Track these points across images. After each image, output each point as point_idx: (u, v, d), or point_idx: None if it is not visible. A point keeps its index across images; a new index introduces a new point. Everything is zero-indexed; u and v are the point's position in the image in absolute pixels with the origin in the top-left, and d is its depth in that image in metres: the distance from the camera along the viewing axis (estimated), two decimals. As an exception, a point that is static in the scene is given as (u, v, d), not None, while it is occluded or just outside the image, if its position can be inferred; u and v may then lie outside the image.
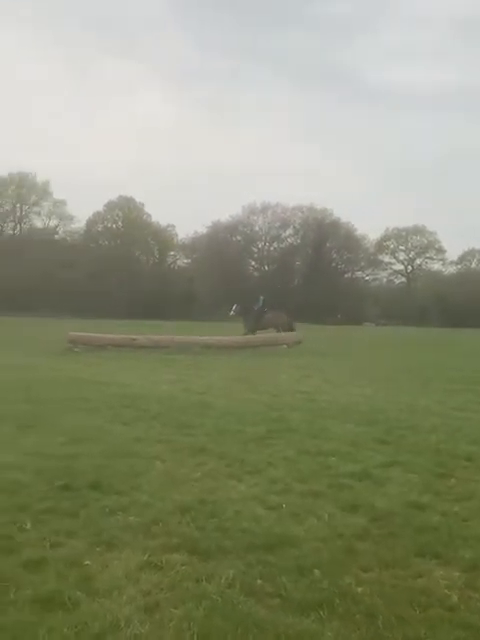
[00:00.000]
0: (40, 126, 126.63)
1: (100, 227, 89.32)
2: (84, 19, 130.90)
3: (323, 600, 4.08)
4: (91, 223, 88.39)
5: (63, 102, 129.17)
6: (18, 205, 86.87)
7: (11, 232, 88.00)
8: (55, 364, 18.14)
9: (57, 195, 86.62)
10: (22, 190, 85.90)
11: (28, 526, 5.21)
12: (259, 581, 4.35)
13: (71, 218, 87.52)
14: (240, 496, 6.19)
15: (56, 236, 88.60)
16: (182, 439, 8.54)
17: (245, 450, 8.00)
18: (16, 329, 38.27)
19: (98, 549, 4.83)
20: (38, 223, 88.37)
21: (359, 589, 4.27)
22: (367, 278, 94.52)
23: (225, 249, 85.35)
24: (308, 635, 3.71)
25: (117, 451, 7.75)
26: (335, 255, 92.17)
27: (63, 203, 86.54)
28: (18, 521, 5.30)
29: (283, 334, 28.92)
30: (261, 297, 31.94)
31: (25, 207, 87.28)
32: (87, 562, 4.59)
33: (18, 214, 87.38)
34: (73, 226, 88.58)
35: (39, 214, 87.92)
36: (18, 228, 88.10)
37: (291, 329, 30.86)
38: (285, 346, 26.01)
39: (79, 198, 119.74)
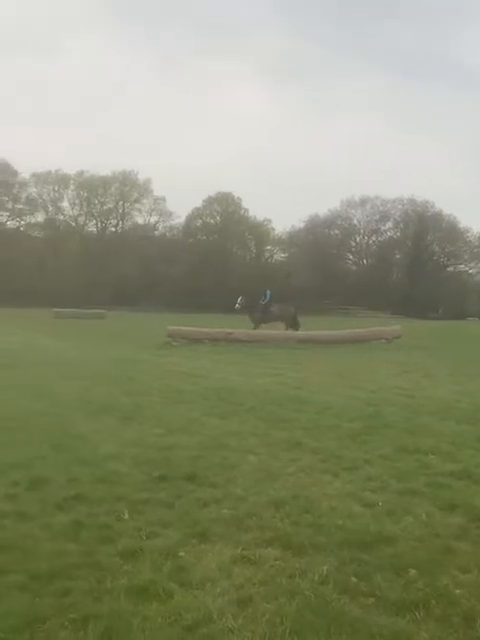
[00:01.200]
0: (141, 125, 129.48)
1: (199, 222, 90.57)
2: (181, 17, 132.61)
3: (419, 601, 3.96)
4: (190, 219, 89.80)
5: (162, 101, 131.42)
6: (121, 203, 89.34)
7: (113, 229, 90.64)
8: (155, 357, 18.55)
9: (157, 192, 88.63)
10: (125, 188, 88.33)
11: (125, 516, 5.32)
12: (353, 579, 4.27)
13: (170, 214, 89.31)
14: (335, 492, 6.10)
15: (156, 232, 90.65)
16: (277, 433, 8.52)
17: (341, 446, 7.89)
18: (119, 323, 39.46)
19: (192, 541, 4.88)
20: (139, 220, 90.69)
21: (457, 591, 4.12)
22: (471, 271, 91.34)
23: (323, 243, 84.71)
24: (403, 636, 3.61)
25: (212, 443, 7.83)
26: (437, 248, 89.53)
27: (163, 200, 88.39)
28: (116, 511, 5.42)
29: (386, 329, 28.17)
30: (268, 291, 30.78)
31: (127, 204, 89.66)
32: (181, 553, 4.64)
33: (120, 211, 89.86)
34: (172, 222, 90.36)
35: (140, 211, 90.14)
36: (120, 225, 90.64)
37: (296, 323, 29.78)
38: (384, 341, 25.49)
39: (178, 195, 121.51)
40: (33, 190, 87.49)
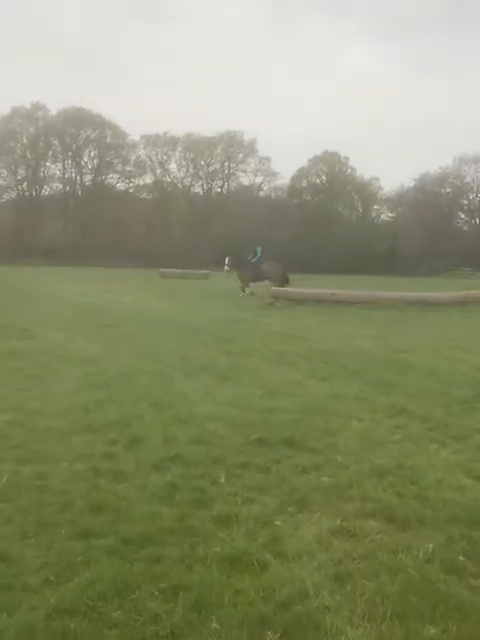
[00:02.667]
0: (247, 84, 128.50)
1: (304, 182, 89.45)
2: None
3: None
4: (295, 179, 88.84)
5: (269, 58, 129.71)
6: (226, 163, 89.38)
7: (219, 190, 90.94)
8: (257, 317, 18.38)
9: (262, 152, 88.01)
10: (230, 149, 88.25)
11: (222, 480, 5.16)
12: (461, 558, 3.95)
13: (276, 175, 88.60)
14: (443, 463, 5.72)
15: (261, 193, 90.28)
16: (381, 398, 8.14)
17: (449, 413, 7.43)
18: (223, 283, 39.54)
19: (289, 509, 4.66)
20: (244, 180, 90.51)
21: None
22: None
23: (433, 202, 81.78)
24: (517, 623, 3.25)
25: (313, 407, 7.55)
26: None
27: (268, 160, 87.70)
28: (212, 474, 5.27)
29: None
30: (258, 248, 29.31)
31: (232, 165, 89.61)
32: (277, 522, 4.43)
33: (226, 172, 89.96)
34: (278, 183, 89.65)
35: (245, 172, 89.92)
36: (226, 186, 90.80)
37: (286, 281, 28.26)
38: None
39: (284, 155, 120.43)
40: (142, 152, 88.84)
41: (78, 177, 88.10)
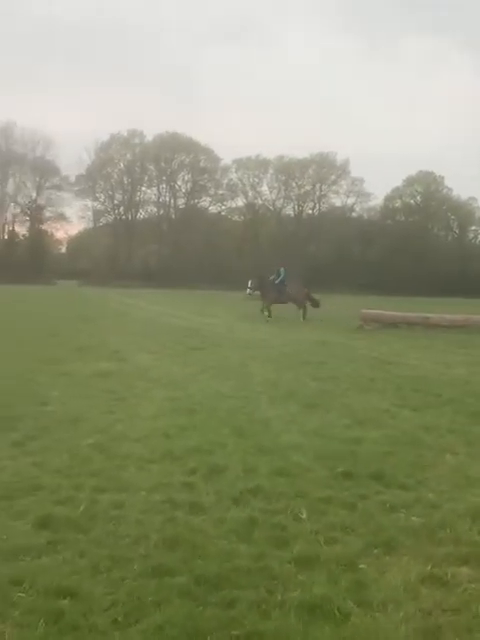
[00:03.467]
0: (341, 105, 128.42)
1: (398, 203, 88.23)
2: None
3: None
4: (389, 199, 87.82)
5: (364, 80, 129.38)
6: (318, 185, 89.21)
7: (310, 211, 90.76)
8: (346, 341, 17.97)
9: (355, 173, 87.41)
10: (322, 170, 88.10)
11: (304, 516, 4.89)
12: None
13: (368, 195, 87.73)
14: None
15: (353, 214, 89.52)
16: (477, 430, 7.65)
17: None
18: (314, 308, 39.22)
19: (375, 551, 4.34)
20: (336, 202, 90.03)
21: None
22: None
23: None
24: None
25: (403, 439, 7.16)
26: None
27: (361, 181, 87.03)
28: (294, 509, 5.00)
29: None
30: (282, 268, 27.84)
31: (324, 186, 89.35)
32: (362, 565, 4.13)
33: (317, 194, 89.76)
34: (370, 203, 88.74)
35: (337, 193, 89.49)
36: (317, 207, 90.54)
37: (315, 303, 27.22)
38: None
39: (377, 175, 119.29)
40: (234, 175, 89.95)
41: (172, 201, 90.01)
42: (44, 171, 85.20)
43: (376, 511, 5.04)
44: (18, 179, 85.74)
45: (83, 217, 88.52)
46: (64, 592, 3.60)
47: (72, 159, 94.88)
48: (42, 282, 69.48)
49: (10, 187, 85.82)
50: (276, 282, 27.13)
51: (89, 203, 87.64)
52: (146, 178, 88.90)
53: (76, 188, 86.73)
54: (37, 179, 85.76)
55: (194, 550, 4.24)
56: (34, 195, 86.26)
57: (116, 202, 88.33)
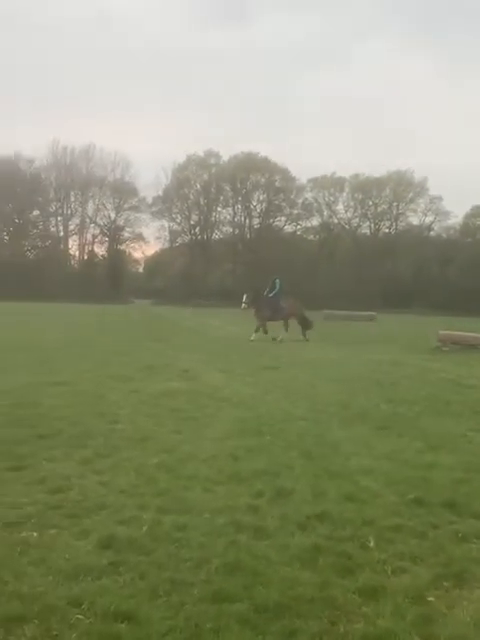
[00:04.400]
0: (418, 122, 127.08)
1: (479, 221, 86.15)
2: (466, 16, 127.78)
3: None
4: (469, 217, 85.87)
5: (441, 95, 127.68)
6: (395, 203, 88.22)
7: (387, 230, 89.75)
8: (422, 363, 17.51)
9: (433, 191, 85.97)
10: (399, 188, 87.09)
11: (371, 544, 4.73)
12: None
13: (447, 214, 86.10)
14: None
15: (431, 233, 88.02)
16: None
17: None
18: (390, 326, 38.68)
19: (445, 583, 4.15)
20: (414, 220, 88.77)
21: None
22: None
23: None
24: None
25: (479, 465, 6.87)
26: None
27: (439, 199, 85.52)
28: (361, 537, 4.84)
29: None
30: (277, 280, 25.27)
31: (401, 205, 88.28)
32: (430, 598, 3.95)
33: (394, 212, 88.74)
34: (449, 222, 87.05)
35: (415, 211, 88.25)
36: (394, 226, 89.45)
37: (306, 323, 25.24)
38: None
39: (456, 194, 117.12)
40: (309, 195, 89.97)
41: (247, 220, 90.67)
42: (123, 192, 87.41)
43: (447, 541, 4.83)
44: (98, 200, 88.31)
45: (160, 237, 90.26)
46: (122, 615, 3.57)
47: (149, 180, 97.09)
48: (119, 301, 71.06)
49: (90, 208, 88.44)
50: (270, 295, 24.90)
51: (166, 223, 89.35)
52: (222, 198, 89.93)
53: (153, 209, 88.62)
54: (116, 200, 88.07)
55: (256, 576, 4.14)
56: (113, 216, 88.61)
57: (192, 222, 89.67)
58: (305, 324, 25.27)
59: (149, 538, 4.65)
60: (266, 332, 24.24)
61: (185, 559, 4.35)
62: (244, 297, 25.34)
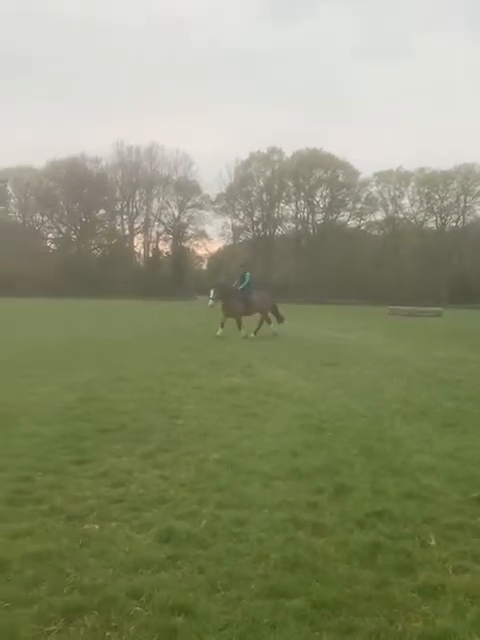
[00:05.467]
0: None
1: None
2: None
3: None
4: None
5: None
6: (462, 197, 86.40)
7: (454, 224, 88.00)
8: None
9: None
10: (467, 182, 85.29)
11: (432, 542, 4.65)
12: None
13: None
14: None
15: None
16: None
17: None
18: (456, 322, 37.93)
19: (507, 583, 4.05)
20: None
21: None
22: None
23: None
24: None
25: None
26: None
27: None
28: (422, 535, 4.77)
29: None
30: (247, 273, 23.64)
31: (469, 198, 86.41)
32: (492, 598, 3.86)
33: (462, 206, 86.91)
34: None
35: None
36: (461, 220, 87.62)
37: (279, 316, 24.07)
38: None
39: None
40: (374, 189, 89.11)
41: (310, 216, 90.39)
42: (186, 190, 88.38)
43: (511, 540, 4.71)
44: (162, 199, 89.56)
45: (223, 234, 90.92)
46: (180, 609, 3.62)
47: (213, 178, 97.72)
48: (183, 297, 71.79)
49: (154, 206, 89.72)
50: (240, 288, 23.27)
51: (229, 220, 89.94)
52: (284, 194, 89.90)
53: (216, 206, 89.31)
54: (180, 198, 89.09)
55: (314, 573, 4.13)
56: (177, 214, 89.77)
57: (255, 219, 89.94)
58: (277, 318, 24.30)
59: (208, 533, 4.69)
60: (240, 327, 22.64)
61: (243, 554, 4.37)
62: (211, 292, 23.25)
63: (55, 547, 4.32)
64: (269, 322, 23.73)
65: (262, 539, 4.62)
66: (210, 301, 23.04)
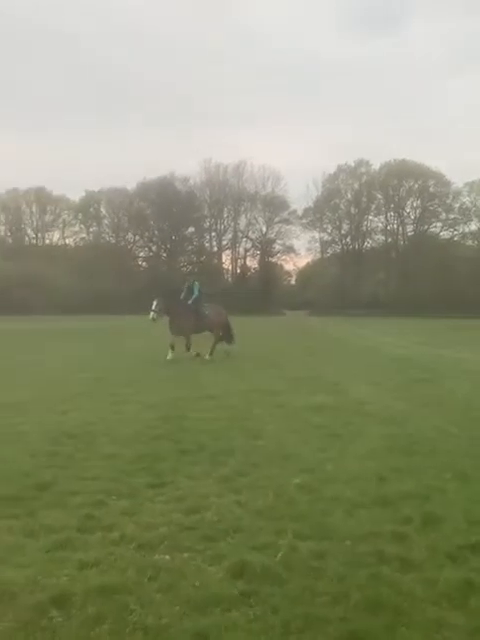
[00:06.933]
0: None
1: None
2: None
3: None
4: None
5: None
6: None
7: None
8: None
9: None
10: None
11: None
12: None
13: None
14: None
15: None
16: None
17: None
18: None
19: None
20: None
21: None
22: None
23: None
24: None
25: None
26: None
27: None
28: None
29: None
30: (195, 282, 20.56)
31: None
32: None
33: None
34: None
35: None
36: None
37: (230, 335, 21.14)
38: None
39: None
40: (466, 199, 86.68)
41: (400, 228, 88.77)
42: (274, 206, 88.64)
43: None
44: (249, 215, 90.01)
45: (310, 249, 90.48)
46: (250, 654, 3.33)
47: (299, 192, 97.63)
48: (271, 313, 71.71)
49: (242, 223, 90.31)
50: (189, 302, 19.98)
51: (317, 234, 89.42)
52: (373, 207, 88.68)
53: (304, 220, 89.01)
54: (267, 214, 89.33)
55: (398, 615, 3.76)
56: (264, 229, 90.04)
57: (343, 232, 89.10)
58: (228, 337, 21.18)
59: (284, 567, 4.37)
60: (189, 348, 19.55)
61: (321, 592, 4.03)
62: (153, 304, 19.45)
63: (121, 580, 4.10)
64: (221, 340, 20.80)
65: (342, 575, 4.27)
66: (151, 314, 19.32)
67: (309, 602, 3.91)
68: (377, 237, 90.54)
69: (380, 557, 4.57)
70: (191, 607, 3.80)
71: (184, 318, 19.32)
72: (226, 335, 20.97)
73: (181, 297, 20.17)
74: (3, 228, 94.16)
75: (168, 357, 18.50)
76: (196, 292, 20.09)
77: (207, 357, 19.34)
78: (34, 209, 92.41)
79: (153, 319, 19.28)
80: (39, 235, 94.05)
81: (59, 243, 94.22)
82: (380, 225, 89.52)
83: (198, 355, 19.31)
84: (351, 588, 4.08)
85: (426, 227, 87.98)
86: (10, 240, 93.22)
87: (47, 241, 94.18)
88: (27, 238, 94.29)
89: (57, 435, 8.38)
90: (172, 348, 18.73)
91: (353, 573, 4.30)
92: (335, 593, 4.02)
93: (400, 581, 4.21)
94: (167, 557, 4.50)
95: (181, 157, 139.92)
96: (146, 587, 4.04)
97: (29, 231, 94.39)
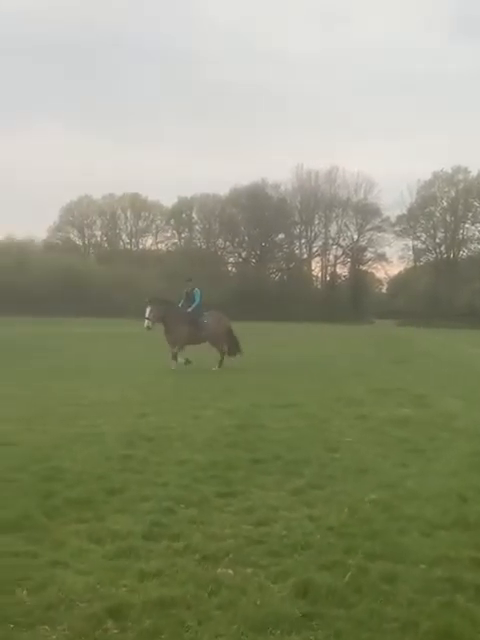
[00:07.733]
0: None
1: None
2: None
3: None
4: None
5: None
6: None
7: None
8: None
9: None
10: None
11: None
12: None
13: None
14: None
15: None
16: None
17: None
18: None
19: None
20: None
21: None
22: None
23: None
24: None
25: None
26: None
27: None
28: None
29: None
30: (196, 290, 18.77)
31: None
32: None
33: None
34: None
35: None
36: None
37: (235, 348, 19.00)
38: None
39: None
40: None
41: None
42: (366, 213, 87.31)
43: None
44: (341, 222, 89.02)
45: (403, 257, 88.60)
46: (309, 682, 3.13)
47: (392, 199, 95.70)
48: (361, 321, 70.71)
49: (333, 230, 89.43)
50: (189, 310, 18.55)
51: (410, 242, 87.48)
52: (470, 215, 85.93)
53: (397, 228, 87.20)
54: (359, 221, 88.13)
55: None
56: (355, 237, 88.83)
57: (437, 240, 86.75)
58: (232, 347, 19.31)
59: (351, 588, 4.14)
60: (176, 358, 17.87)
61: (389, 618, 3.78)
62: (147, 311, 18.05)
63: (181, 593, 3.97)
64: (224, 351, 19.07)
65: (413, 601, 4.01)
66: (146, 322, 17.95)
67: (376, 628, 3.68)
68: (474, 246, 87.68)
69: (455, 584, 4.28)
70: (250, 626, 3.63)
71: (180, 327, 18.02)
72: (230, 347, 19.27)
73: (180, 304, 18.96)
74: (99, 233, 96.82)
75: (172, 366, 17.54)
76: (197, 299, 18.70)
77: (214, 369, 18.09)
78: (129, 214, 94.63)
79: (148, 327, 18.07)
80: (133, 240, 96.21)
81: (152, 248, 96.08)
82: (477, 234, 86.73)
83: (188, 362, 17.83)
84: (422, 616, 3.82)
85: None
86: (106, 245, 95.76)
87: (140, 246, 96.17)
88: (122, 243, 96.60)
89: (134, 438, 8.41)
90: (175, 358, 17.79)
91: (425, 600, 4.04)
92: (404, 620, 3.77)
93: (475, 611, 3.92)
94: (230, 571, 4.34)
95: (273, 164, 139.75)
96: (205, 603, 3.89)
97: (124, 236, 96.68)
